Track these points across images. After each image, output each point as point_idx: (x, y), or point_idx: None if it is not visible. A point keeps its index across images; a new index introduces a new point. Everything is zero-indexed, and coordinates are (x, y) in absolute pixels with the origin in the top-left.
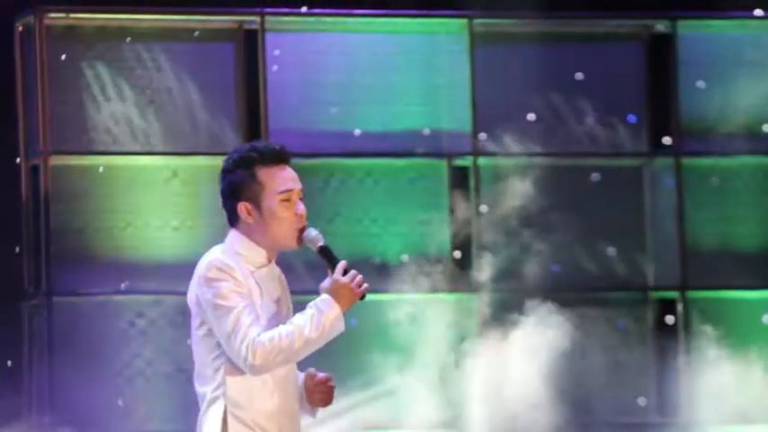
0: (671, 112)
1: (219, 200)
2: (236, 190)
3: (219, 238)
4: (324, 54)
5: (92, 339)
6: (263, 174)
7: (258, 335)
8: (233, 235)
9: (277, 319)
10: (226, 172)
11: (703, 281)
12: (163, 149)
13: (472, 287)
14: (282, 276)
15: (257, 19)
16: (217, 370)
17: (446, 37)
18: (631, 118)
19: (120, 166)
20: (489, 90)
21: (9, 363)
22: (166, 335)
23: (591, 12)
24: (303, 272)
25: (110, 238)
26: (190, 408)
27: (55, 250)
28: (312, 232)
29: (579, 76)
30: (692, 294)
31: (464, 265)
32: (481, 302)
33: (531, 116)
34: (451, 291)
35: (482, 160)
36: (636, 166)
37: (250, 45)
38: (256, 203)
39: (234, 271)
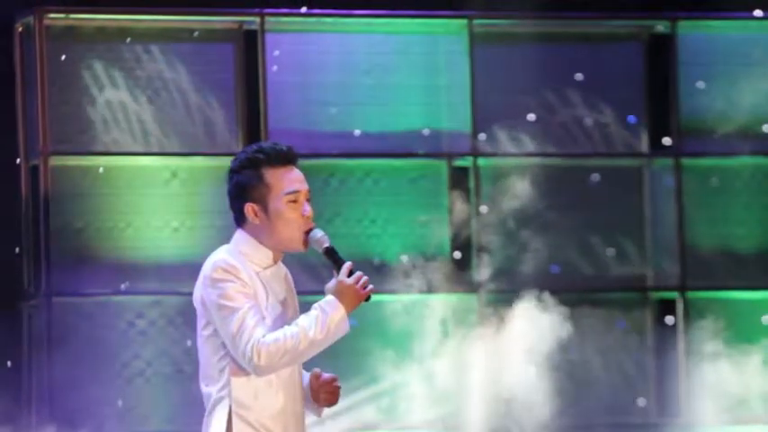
0: (671, 112)
1: (219, 200)
2: (243, 191)
3: (219, 239)
4: (323, 54)
5: (91, 340)
6: (270, 175)
7: (263, 336)
8: (239, 235)
9: (282, 320)
10: (233, 172)
11: (703, 281)
12: (163, 150)
13: (472, 287)
14: (289, 276)
15: (257, 19)
16: (222, 370)
17: (446, 37)
18: (631, 118)
19: (120, 167)
20: (489, 90)
21: (9, 363)
22: (166, 335)
23: (591, 12)
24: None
25: (109, 239)
26: (189, 408)
27: (55, 251)
28: (318, 233)
29: (579, 76)
30: (691, 295)
31: (464, 265)
32: (480, 303)
33: (530, 116)
34: (451, 291)
35: (482, 160)
36: (635, 167)
37: (250, 45)
38: (263, 204)
39: (239, 272)
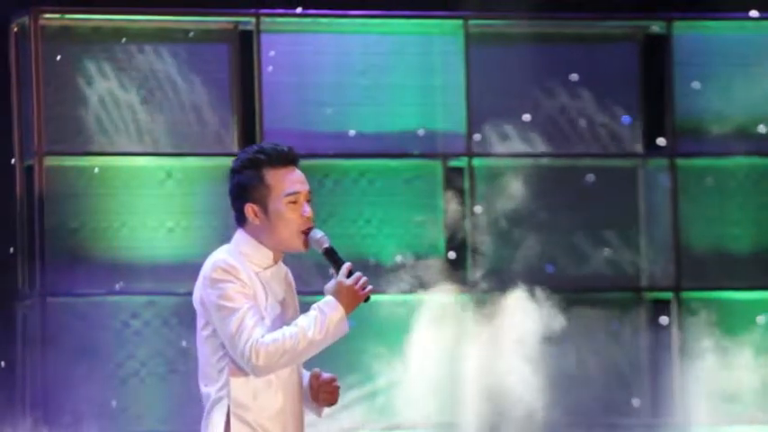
0: (666, 112)
1: (214, 201)
2: (244, 191)
3: (214, 239)
4: (319, 55)
5: (86, 340)
6: (271, 176)
7: (262, 336)
8: (239, 235)
9: (282, 321)
10: (234, 172)
11: (697, 282)
12: (158, 150)
13: (466, 287)
14: (290, 276)
15: (252, 20)
16: (221, 370)
17: (441, 38)
18: (626, 119)
19: (115, 167)
20: (484, 91)
21: (3, 363)
22: (161, 336)
23: (586, 13)
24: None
25: (104, 239)
26: (184, 409)
27: (49, 251)
28: (317, 234)
29: (574, 77)
30: (686, 295)
31: (458, 265)
32: (475, 303)
33: (525, 117)
34: (446, 291)
35: (476, 161)
36: (630, 167)
37: (245, 46)
38: (263, 205)
39: (239, 272)
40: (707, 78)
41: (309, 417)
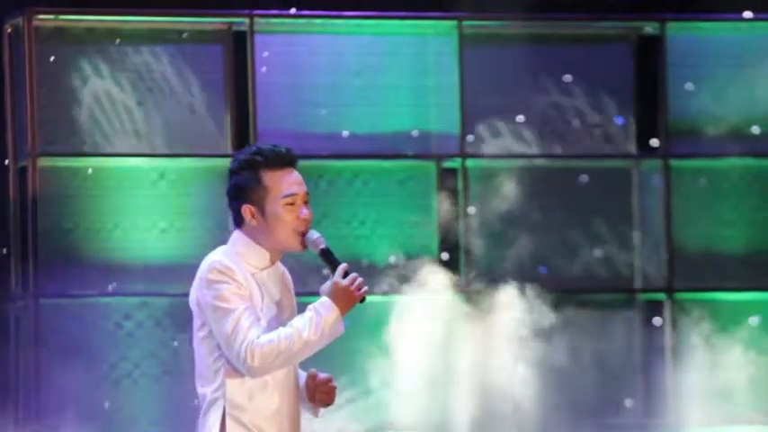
0: (659, 113)
1: (208, 202)
2: (241, 192)
3: (207, 240)
4: (313, 55)
5: (79, 341)
6: (268, 178)
7: (257, 337)
8: (236, 236)
9: (278, 321)
10: (232, 173)
11: (690, 283)
12: (151, 151)
13: (459, 288)
14: (288, 277)
15: (246, 20)
16: (217, 371)
17: (435, 39)
18: (619, 120)
19: (109, 168)
20: (478, 92)
21: None
22: (153, 337)
23: (579, 13)
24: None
25: (97, 240)
26: (177, 410)
27: (42, 252)
28: (314, 235)
29: (568, 77)
30: (679, 296)
31: (452, 266)
32: (468, 303)
33: (519, 118)
34: (439, 292)
35: (470, 162)
36: (624, 168)
37: (239, 46)
38: (260, 207)
39: (235, 273)
40: (700, 79)
41: (303, 416)
